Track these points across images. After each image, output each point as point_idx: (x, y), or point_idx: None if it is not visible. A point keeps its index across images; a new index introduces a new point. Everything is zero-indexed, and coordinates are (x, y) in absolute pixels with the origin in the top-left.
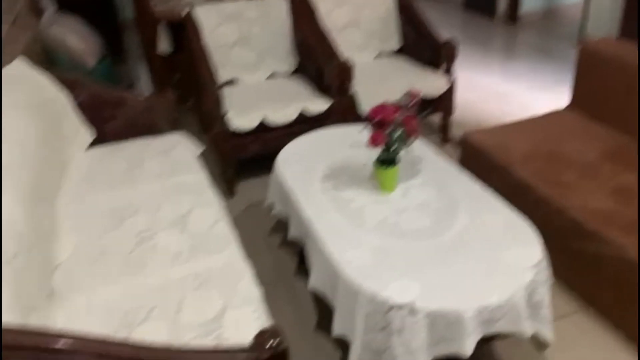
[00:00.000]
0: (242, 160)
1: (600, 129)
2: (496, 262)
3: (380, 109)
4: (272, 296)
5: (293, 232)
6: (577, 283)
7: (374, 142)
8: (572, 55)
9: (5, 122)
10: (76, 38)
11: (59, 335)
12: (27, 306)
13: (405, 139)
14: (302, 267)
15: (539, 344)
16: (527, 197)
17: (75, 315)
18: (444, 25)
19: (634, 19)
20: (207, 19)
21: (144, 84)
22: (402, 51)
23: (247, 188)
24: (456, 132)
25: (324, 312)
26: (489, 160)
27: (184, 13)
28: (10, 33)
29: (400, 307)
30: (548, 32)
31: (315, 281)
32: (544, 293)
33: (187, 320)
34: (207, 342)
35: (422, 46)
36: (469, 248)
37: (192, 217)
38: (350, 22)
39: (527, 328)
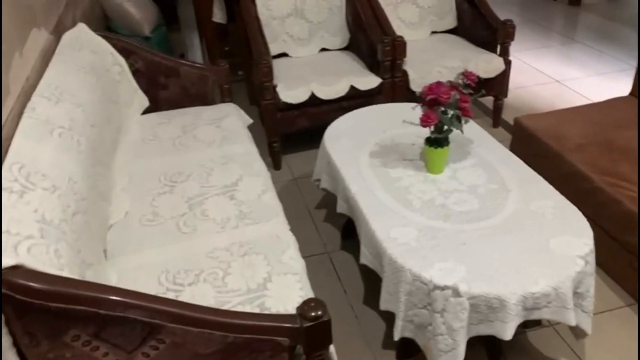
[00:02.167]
0: (289, 134)
1: None
2: (545, 249)
3: (435, 87)
4: (315, 269)
5: (340, 207)
6: (625, 277)
7: (425, 121)
8: (636, 41)
9: (67, 85)
10: (133, 6)
11: (114, 290)
12: (84, 262)
13: (458, 120)
14: (347, 242)
15: (576, 333)
16: (580, 185)
17: (126, 274)
18: (502, 4)
19: None
20: None
21: (197, 54)
22: (457, 30)
23: (293, 161)
24: (508, 116)
25: (371, 286)
26: (541, 146)
27: None
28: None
29: (443, 288)
30: (612, 16)
31: (365, 256)
32: (590, 284)
33: (232, 286)
34: (251, 308)
35: (478, 26)
36: (518, 233)
37: (240, 186)
38: None
39: (571, 318)
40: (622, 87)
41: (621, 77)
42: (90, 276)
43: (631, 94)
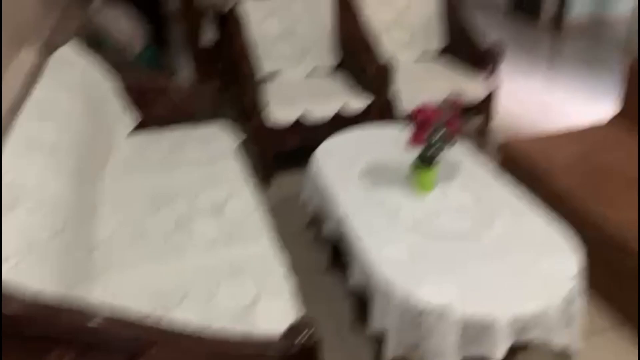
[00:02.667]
0: (279, 153)
1: None
2: (534, 270)
3: (423, 109)
4: (303, 290)
5: (328, 228)
6: (613, 297)
7: (414, 141)
8: (619, 66)
9: (55, 103)
10: (123, 25)
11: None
12: (68, 282)
13: (446, 141)
14: (335, 264)
15: (566, 353)
16: (567, 207)
17: (112, 294)
18: (487, 29)
19: None
20: (253, 12)
21: (187, 73)
22: (445, 52)
23: (283, 181)
24: (495, 137)
25: (359, 308)
26: (529, 167)
27: (230, 5)
28: (61, 18)
29: (433, 309)
30: (594, 42)
31: (354, 278)
32: (579, 305)
33: (220, 307)
34: (239, 329)
35: (466, 48)
36: (507, 254)
37: (229, 205)
38: (395, 20)
39: (560, 339)
40: (607, 110)
41: (606, 100)
42: (75, 295)
43: (615, 117)
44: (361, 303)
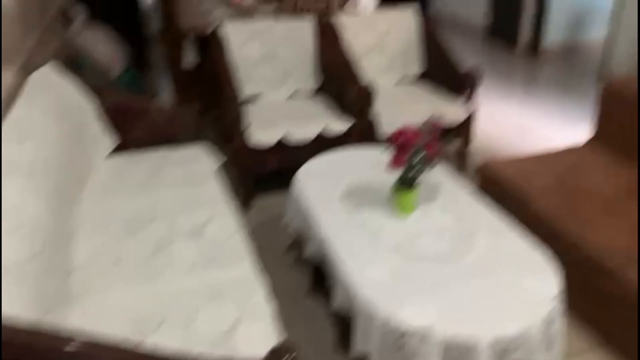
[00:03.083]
0: (260, 175)
1: (621, 166)
2: (514, 291)
3: (403, 131)
4: (285, 313)
5: (310, 250)
6: (593, 319)
7: (395, 163)
8: (593, 90)
9: (33, 125)
10: (103, 47)
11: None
12: (44, 305)
13: (426, 163)
14: (316, 287)
15: None
16: (545, 229)
17: (89, 318)
18: (465, 54)
19: None
20: (234, 35)
21: (167, 95)
22: (424, 77)
23: (263, 203)
24: (474, 160)
25: (342, 331)
26: (507, 190)
27: (211, 28)
28: (41, 39)
29: (415, 331)
30: (569, 66)
31: (337, 300)
32: (559, 326)
33: (199, 331)
34: (219, 354)
35: (444, 73)
36: (487, 275)
37: (208, 228)
38: (375, 46)
39: None
40: (582, 134)
41: (580, 123)
42: (51, 319)
43: (590, 140)
44: (344, 326)
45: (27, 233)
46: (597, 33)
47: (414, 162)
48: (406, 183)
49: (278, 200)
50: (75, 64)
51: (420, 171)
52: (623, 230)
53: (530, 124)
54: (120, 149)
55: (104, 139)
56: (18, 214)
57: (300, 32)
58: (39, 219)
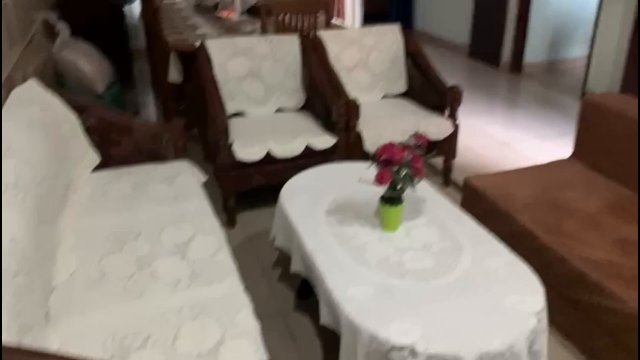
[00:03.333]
0: (244, 192)
1: (602, 181)
2: (498, 307)
3: (388, 148)
4: (270, 331)
5: (295, 266)
6: (575, 333)
7: (380, 179)
8: (575, 107)
9: (15, 141)
10: (87, 63)
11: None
12: (24, 326)
13: (410, 179)
14: (302, 303)
15: None
16: (528, 244)
17: (69, 339)
18: (448, 72)
19: (635, 75)
20: (218, 52)
21: (151, 111)
22: (407, 94)
23: (248, 219)
24: (457, 176)
25: (329, 347)
26: (490, 205)
27: (196, 45)
28: (24, 54)
29: (400, 348)
30: (551, 84)
31: (324, 316)
32: (543, 342)
33: (183, 350)
34: None
35: (428, 90)
36: (472, 291)
37: (193, 245)
38: (359, 63)
39: None
40: (563, 150)
41: (562, 140)
42: (29, 341)
43: (572, 156)
44: (331, 341)
45: (7, 252)
46: (578, 51)
47: (399, 179)
48: (391, 199)
49: (262, 217)
50: (60, 80)
51: (406, 187)
52: (605, 244)
53: (512, 139)
54: (104, 164)
55: (88, 155)
56: None
57: (285, 49)
58: (20, 237)
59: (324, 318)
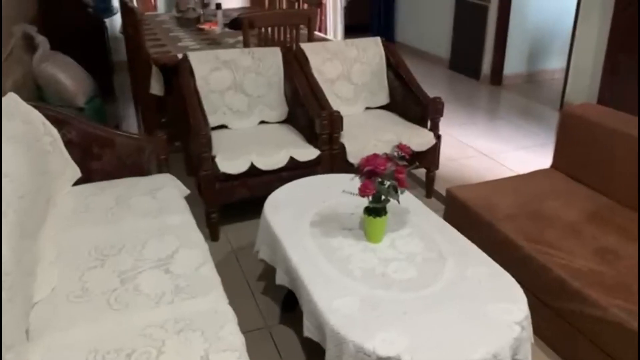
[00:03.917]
0: (227, 205)
1: (581, 190)
2: (482, 317)
3: (372, 159)
4: (255, 344)
5: (280, 278)
6: (558, 341)
7: (364, 191)
8: (554, 117)
9: None
10: (67, 76)
11: None
12: (4, 343)
13: (394, 190)
14: (287, 315)
15: None
16: (511, 253)
17: (52, 355)
18: (429, 84)
19: (611, 87)
20: (201, 65)
21: (133, 124)
22: (389, 106)
23: (231, 232)
24: (440, 187)
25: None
26: (473, 215)
27: (179, 57)
28: (3, 68)
29: (386, 359)
30: (531, 95)
31: (308, 328)
32: (527, 350)
33: None
34: None
35: (410, 102)
36: (456, 301)
37: (176, 258)
38: (341, 75)
39: None
40: (543, 160)
41: (542, 150)
42: (10, 358)
43: (552, 166)
44: (317, 353)
45: None
46: (557, 63)
47: (383, 189)
48: (374, 211)
49: (248, 229)
50: (40, 94)
51: (389, 198)
52: (585, 253)
53: (493, 150)
54: (86, 178)
55: (68, 169)
56: None
57: (267, 62)
58: (1, 252)
59: (308, 330)
